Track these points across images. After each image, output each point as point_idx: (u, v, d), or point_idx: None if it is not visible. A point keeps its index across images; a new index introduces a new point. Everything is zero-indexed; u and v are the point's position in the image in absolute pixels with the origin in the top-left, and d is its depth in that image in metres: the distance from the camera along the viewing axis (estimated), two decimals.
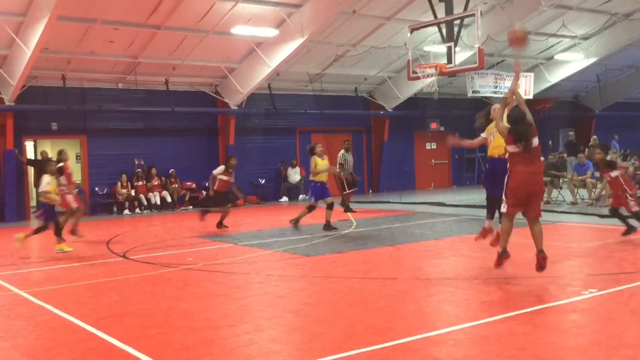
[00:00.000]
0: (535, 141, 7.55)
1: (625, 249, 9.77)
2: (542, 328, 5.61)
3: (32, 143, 19.89)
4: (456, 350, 5.18)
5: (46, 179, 11.37)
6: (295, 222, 13.14)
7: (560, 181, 18.54)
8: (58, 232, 11.41)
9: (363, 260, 9.53)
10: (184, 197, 20.55)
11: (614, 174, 11.27)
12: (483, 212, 15.48)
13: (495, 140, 8.87)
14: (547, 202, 16.76)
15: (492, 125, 8.73)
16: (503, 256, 7.79)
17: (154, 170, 19.74)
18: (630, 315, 6.04)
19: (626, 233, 10.61)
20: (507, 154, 7.72)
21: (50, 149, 20.01)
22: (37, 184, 18.24)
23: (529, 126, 7.51)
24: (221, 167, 14.07)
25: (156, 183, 19.73)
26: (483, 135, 9.37)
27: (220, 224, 13.89)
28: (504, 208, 7.77)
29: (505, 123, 7.77)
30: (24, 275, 9.44)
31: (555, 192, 17.24)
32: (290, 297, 7.32)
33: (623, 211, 10.90)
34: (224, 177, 13.83)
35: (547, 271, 8.24)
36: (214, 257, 10.35)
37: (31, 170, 18.69)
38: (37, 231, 11.38)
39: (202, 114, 21.33)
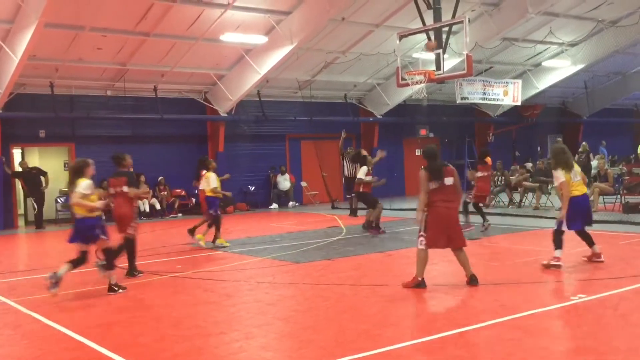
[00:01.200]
0: (449, 180, 8.03)
1: (613, 254, 9.82)
2: (531, 333, 5.63)
3: (20, 151, 19.75)
4: (446, 356, 5.19)
5: (212, 176, 12.21)
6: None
7: (549, 187, 18.66)
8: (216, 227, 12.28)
9: (353, 267, 9.53)
10: (173, 205, 20.48)
11: (479, 174, 13.35)
12: (472, 219, 15.57)
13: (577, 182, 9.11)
14: (536, 208, 16.87)
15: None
16: (420, 284, 7.80)
17: (142, 178, 19.59)
18: (618, 321, 6.07)
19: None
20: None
21: (38, 156, 19.90)
22: (31, 193, 18.12)
23: (441, 166, 8.09)
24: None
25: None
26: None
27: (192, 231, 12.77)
28: (421, 244, 7.89)
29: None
30: (12, 283, 9.36)
31: (544, 198, 17.34)
32: (280, 304, 7.31)
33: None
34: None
35: (536, 277, 8.28)
36: (203, 264, 10.32)
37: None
38: (211, 225, 12.23)
39: (191, 121, 21.29)
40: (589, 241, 9.19)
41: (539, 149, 29.20)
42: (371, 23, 19.04)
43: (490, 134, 27.59)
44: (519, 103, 23.58)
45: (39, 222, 18.03)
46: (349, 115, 23.73)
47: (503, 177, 18.69)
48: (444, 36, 15.80)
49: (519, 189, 18.12)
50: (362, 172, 13.64)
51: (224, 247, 11.98)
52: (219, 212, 12.40)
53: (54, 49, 16.77)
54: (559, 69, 24.84)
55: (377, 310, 6.77)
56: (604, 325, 5.88)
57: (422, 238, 7.90)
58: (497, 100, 22.88)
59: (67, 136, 19.10)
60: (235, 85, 20.26)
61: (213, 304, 7.43)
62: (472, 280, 7.79)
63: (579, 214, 8.92)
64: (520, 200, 17.84)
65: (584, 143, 23.06)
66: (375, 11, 18.31)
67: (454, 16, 15.61)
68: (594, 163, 20.25)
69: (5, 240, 15.45)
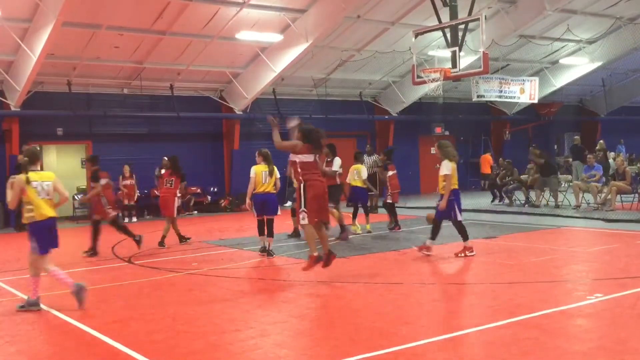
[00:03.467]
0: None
1: (631, 253, 9.74)
2: (547, 333, 5.60)
3: (38, 148, 19.94)
4: (461, 355, 5.18)
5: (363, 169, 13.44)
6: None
7: (566, 185, 18.53)
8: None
9: (368, 265, 9.52)
10: (189, 202, 20.57)
11: (390, 173, 13.60)
12: (488, 217, 15.51)
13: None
14: (536, 206, 16.85)
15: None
16: (318, 260, 8.28)
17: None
18: (636, 320, 6.02)
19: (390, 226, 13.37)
20: (299, 166, 8.33)
21: (55, 154, 20.08)
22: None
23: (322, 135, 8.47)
24: None
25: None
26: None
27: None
28: (305, 219, 8.14)
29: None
30: (29, 280, 9.43)
31: (560, 196, 17.21)
32: (295, 302, 7.32)
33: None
34: None
35: (553, 276, 8.23)
36: (218, 262, 10.36)
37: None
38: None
39: (206, 119, 21.37)
40: (465, 234, 9.80)
41: (555, 147, 28.99)
42: (386, 21, 18.98)
43: (507, 132, 27.42)
44: (535, 101, 23.38)
45: None
46: (364, 113, 23.70)
47: (511, 174, 18.57)
48: (460, 33, 15.75)
49: (535, 188, 17.98)
50: (336, 164, 12.56)
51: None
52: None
53: (72, 48, 16.91)
54: (577, 66, 24.63)
55: (392, 308, 6.76)
56: (621, 325, 5.82)
57: (303, 214, 8.13)
58: (514, 98, 22.71)
59: (84, 134, 19.26)
60: (250, 83, 20.31)
61: (228, 301, 7.45)
62: (331, 253, 8.31)
63: (457, 205, 9.77)
64: (537, 199, 17.69)
65: (600, 141, 22.83)
66: (390, 9, 18.26)
67: (470, 13, 15.55)
68: (612, 161, 20.06)
69: (20, 237, 15.58)
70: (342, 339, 5.66)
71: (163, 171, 13.21)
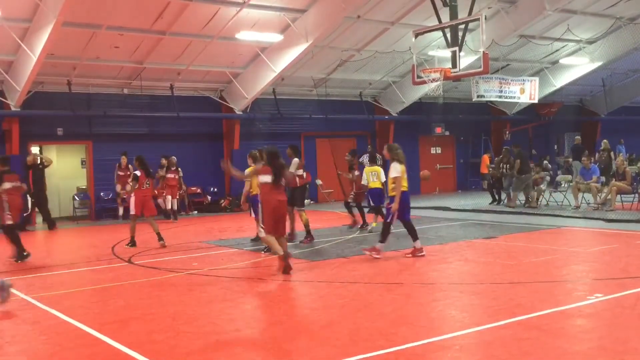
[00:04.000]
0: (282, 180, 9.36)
1: (631, 253, 9.74)
2: (547, 333, 5.60)
3: (38, 149, 19.93)
4: (461, 355, 5.18)
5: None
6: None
7: (565, 184, 18.51)
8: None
9: (368, 265, 9.52)
10: (186, 202, 20.54)
11: (357, 173, 13.36)
12: (488, 217, 15.51)
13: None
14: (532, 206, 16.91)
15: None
16: (287, 257, 8.94)
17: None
18: (636, 320, 6.02)
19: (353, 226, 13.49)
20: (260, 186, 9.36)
21: (55, 154, 20.07)
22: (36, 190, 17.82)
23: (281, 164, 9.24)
24: None
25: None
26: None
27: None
28: (262, 233, 9.20)
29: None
30: (30, 280, 9.46)
31: (560, 196, 17.23)
32: (295, 301, 7.32)
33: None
34: None
35: (553, 276, 8.23)
36: (219, 262, 10.36)
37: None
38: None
39: (206, 119, 21.36)
40: (415, 235, 10.02)
41: (555, 147, 28.98)
42: (386, 21, 18.97)
43: (507, 132, 27.42)
44: (535, 101, 23.37)
45: (50, 223, 16.89)
46: (364, 113, 23.70)
47: (508, 165, 18.54)
48: (460, 33, 15.75)
49: (535, 187, 17.99)
50: (294, 166, 11.98)
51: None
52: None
53: (72, 48, 16.91)
54: (577, 66, 24.61)
55: (392, 308, 6.76)
56: (621, 325, 5.83)
57: (261, 228, 9.26)
58: (514, 98, 22.71)
59: (84, 134, 19.25)
60: (250, 83, 20.30)
61: (228, 301, 7.45)
62: (287, 256, 8.93)
63: (407, 207, 10.01)
64: (537, 199, 17.70)
65: (604, 141, 22.81)
66: (390, 9, 18.26)
67: (470, 13, 15.55)
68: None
69: (22, 237, 15.57)
70: (342, 339, 5.66)
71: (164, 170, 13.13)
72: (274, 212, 9.02)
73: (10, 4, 14.60)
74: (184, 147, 20.75)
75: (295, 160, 12.19)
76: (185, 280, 8.97)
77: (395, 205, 9.79)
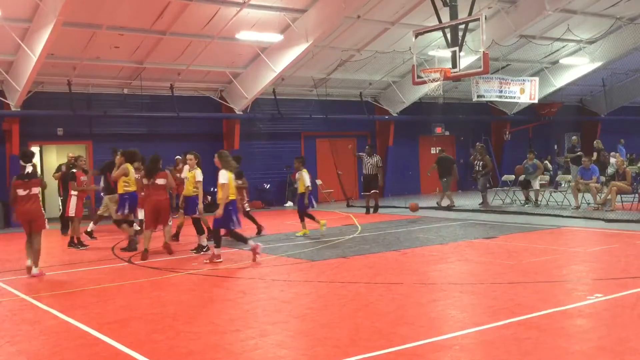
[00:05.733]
0: (161, 181, 11.08)
1: (631, 253, 9.74)
2: (547, 333, 5.60)
3: (38, 149, 19.92)
4: (461, 355, 5.18)
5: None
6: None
7: (565, 184, 18.52)
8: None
9: (368, 265, 9.52)
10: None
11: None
12: (488, 217, 15.52)
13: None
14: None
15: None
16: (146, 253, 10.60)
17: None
18: (636, 320, 6.02)
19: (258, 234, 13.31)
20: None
21: (55, 154, 20.06)
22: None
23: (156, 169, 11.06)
24: None
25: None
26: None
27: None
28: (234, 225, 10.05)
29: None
30: (30, 280, 9.46)
31: (560, 196, 17.24)
32: (295, 302, 7.32)
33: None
34: None
35: (553, 276, 8.23)
36: (218, 262, 10.35)
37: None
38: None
39: (207, 119, 21.36)
40: (244, 240, 10.21)
41: (555, 147, 28.97)
42: (387, 21, 18.98)
43: (507, 132, 27.42)
44: (535, 101, 23.38)
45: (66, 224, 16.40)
46: (364, 113, 23.70)
47: (482, 162, 18.50)
48: (460, 33, 15.75)
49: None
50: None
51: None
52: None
53: (72, 48, 16.90)
54: (577, 66, 24.62)
55: (392, 308, 6.76)
56: (621, 325, 5.83)
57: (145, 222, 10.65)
58: (514, 98, 22.72)
59: (84, 134, 19.25)
60: (250, 83, 20.31)
61: (228, 301, 7.46)
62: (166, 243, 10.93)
63: (234, 215, 10.10)
64: (536, 199, 17.71)
65: (597, 140, 22.76)
66: (390, 9, 18.26)
67: (470, 13, 15.55)
68: (612, 160, 20.05)
69: (22, 237, 15.57)
70: (342, 339, 5.66)
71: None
72: (153, 209, 10.78)
73: (10, 4, 14.60)
74: (184, 147, 20.59)
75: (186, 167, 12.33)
76: (185, 280, 8.97)
77: (219, 211, 9.94)
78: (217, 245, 10.20)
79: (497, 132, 27.62)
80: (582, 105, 30.24)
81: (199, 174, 11.60)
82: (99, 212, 14.40)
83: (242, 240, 10.27)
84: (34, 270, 9.52)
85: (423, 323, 6.21)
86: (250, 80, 20.30)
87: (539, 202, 17.44)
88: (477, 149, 19.11)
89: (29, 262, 9.58)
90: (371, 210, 17.86)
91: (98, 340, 5.98)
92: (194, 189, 11.54)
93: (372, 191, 17.86)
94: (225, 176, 10.00)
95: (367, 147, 18.81)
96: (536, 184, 17.81)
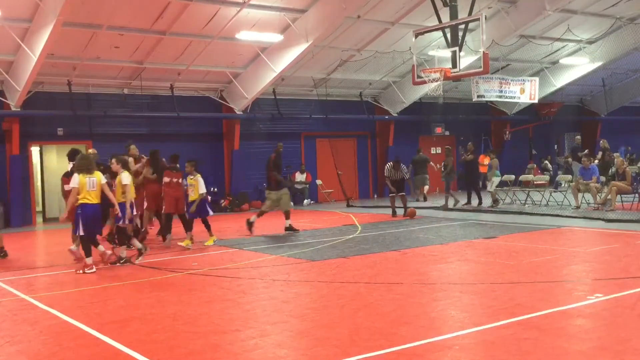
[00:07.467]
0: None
1: (631, 253, 9.74)
2: (547, 333, 5.60)
3: (38, 149, 19.93)
4: (461, 355, 5.18)
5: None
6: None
7: (565, 184, 18.51)
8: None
9: (368, 265, 9.52)
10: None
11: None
12: (488, 217, 15.51)
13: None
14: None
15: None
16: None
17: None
18: (636, 320, 6.02)
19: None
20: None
21: (56, 154, 20.06)
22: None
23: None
24: None
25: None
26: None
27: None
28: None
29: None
30: (30, 280, 9.46)
31: (560, 196, 17.23)
32: (295, 302, 7.32)
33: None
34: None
35: (553, 276, 8.24)
36: (218, 262, 10.36)
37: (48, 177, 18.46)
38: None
39: (207, 119, 21.37)
40: (89, 251, 9.73)
41: (555, 147, 28.96)
42: (387, 21, 18.99)
43: (507, 132, 27.42)
44: (535, 101, 23.40)
45: None
46: (364, 113, 23.70)
47: (444, 163, 18.68)
48: (460, 33, 15.75)
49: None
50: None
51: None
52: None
53: (72, 48, 16.91)
54: (577, 66, 24.62)
55: (392, 308, 6.76)
56: (621, 325, 5.83)
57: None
58: (514, 98, 22.72)
59: (84, 134, 19.25)
60: (250, 83, 20.31)
61: (228, 301, 7.45)
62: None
63: (95, 221, 9.87)
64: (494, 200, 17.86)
65: (603, 140, 22.78)
66: (390, 9, 18.26)
67: (470, 13, 15.55)
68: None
69: (23, 237, 15.61)
70: (342, 339, 5.66)
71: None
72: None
73: (11, 4, 14.60)
74: (184, 147, 20.67)
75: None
76: (185, 280, 8.97)
77: (64, 215, 10.00)
78: (87, 254, 9.71)
79: (497, 132, 27.63)
80: (582, 105, 30.24)
81: (125, 177, 10.59)
82: None
83: (87, 250, 9.73)
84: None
85: (423, 323, 6.21)
86: (250, 80, 20.30)
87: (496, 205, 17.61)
88: (445, 149, 19.32)
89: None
90: (401, 211, 16.84)
91: (98, 340, 5.98)
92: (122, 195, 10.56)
93: (400, 193, 16.94)
94: (75, 180, 9.58)
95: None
96: (490, 185, 18.16)
